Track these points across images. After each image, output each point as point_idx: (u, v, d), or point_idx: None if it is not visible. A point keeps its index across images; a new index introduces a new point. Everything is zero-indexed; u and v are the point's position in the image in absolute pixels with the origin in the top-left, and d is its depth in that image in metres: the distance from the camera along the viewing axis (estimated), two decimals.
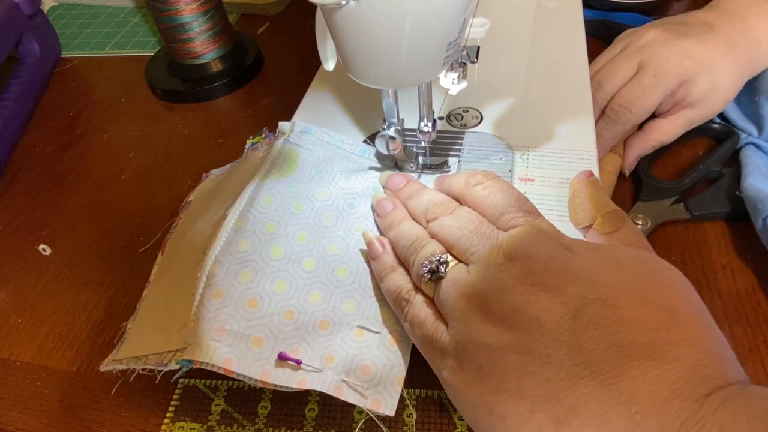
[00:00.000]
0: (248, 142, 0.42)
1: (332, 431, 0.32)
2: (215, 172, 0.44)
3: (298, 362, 0.29)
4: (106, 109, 0.60)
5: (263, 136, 0.41)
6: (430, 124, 0.36)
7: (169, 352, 0.29)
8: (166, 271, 0.37)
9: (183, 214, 0.40)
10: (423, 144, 0.37)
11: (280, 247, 0.33)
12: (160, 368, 0.29)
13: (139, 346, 0.32)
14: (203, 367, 0.28)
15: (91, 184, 0.52)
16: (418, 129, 0.36)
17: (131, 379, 0.36)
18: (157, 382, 0.29)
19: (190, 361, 0.28)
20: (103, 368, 0.33)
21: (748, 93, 0.46)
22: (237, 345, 0.29)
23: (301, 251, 0.33)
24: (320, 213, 0.35)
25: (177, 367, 0.29)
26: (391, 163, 0.38)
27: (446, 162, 0.38)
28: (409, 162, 0.38)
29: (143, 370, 0.30)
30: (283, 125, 0.40)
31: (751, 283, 0.37)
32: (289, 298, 0.31)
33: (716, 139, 0.47)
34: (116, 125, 0.58)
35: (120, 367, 0.32)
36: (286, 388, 0.29)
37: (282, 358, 0.29)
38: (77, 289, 0.43)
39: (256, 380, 0.28)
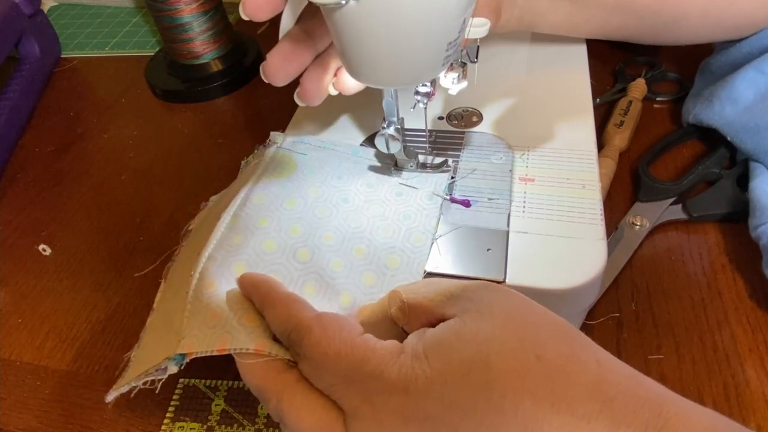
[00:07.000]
0: (243, 162, 0.42)
1: None
2: (213, 198, 0.42)
3: None
4: (106, 109, 0.61)
5: (255, 151, 0.41)
6: (429, 83, 0.34)
7: (168, 359, 0.28)
8: (169, 298, 0.36)
9: (184, 242, 0.38)
10: (422, 105, 0.35)
11: (273, 242, 0.33)
12: (159, 376, 0.28)
13: (142, 366, 0.30)
14: (198, 355, 0.27)
15: (91, 184, 0.52)
16: (415, 92, 0.34)
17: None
18: (157, 391, 0.28)
19: (183, 356, 0.27)
20: (109, 398, 0.30)
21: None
22: (231, 323, 0.28)
23: (295, 243, 0.33)
24: (313, 207, 0.35)
25: (174, 367, 0.28)
26: (390, 162, 0.38)
27: (446, 161, 0.38)
28: (409, 161, 0.38)
29: (145, 384, 0.29)
30: (274, 135, 0.41)
31: (751, 283, 0.37)
32: None
33: (715, 141, 0.47)
34: (116, 125, 0.58)
35: (123, 389, 0.30)
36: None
37: None
38: (77, 289, 0.43)
39: (248, 350, 0.27)
